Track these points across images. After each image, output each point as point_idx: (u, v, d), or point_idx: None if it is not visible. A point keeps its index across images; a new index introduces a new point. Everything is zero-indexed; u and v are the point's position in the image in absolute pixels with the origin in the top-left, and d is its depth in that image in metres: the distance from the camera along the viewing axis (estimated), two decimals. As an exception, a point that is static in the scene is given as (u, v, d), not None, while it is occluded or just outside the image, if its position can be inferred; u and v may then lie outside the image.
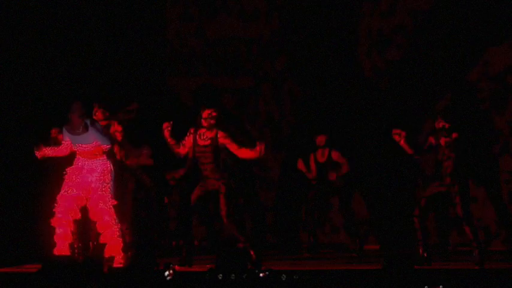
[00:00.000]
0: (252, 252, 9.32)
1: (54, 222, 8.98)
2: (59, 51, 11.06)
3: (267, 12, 12.51)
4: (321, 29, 12.29)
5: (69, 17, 11.31)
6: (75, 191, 9.00)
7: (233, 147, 9.47)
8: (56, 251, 8.92)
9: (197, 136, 9.54)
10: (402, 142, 9.61)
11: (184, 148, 9.57)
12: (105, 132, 9.23)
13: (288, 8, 12.42)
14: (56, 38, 11.06)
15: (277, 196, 12.39)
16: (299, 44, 12.36)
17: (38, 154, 9.15)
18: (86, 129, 8.98)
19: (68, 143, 9.09)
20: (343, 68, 12.30)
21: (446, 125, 9.59)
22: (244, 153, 9.48)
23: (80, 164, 9.07)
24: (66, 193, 8.99)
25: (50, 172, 9.65)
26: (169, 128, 9.48)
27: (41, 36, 10.89)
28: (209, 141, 9.51)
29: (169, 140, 9.52)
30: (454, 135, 9.58)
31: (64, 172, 9.02)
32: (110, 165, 9.08)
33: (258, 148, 9.31)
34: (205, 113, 9.54)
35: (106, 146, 9.05)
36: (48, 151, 9.17)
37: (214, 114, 9.50)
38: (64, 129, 9.09)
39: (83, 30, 11.48)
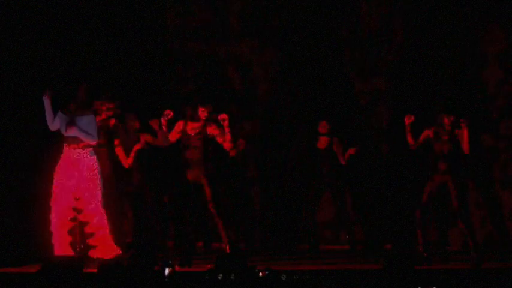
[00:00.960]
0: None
1: (51, 227, 9.03)
2: (59, 51, 11.05)
3: (267, 12, 12.54)
4: (319, 28, 12.30)
5: (69, 17, 11.31)
6: (64, 192, 9.03)
7: (216, 134, 9.62)
8: (56, 252, 8.94)
9: (187, 126, 9.66)
10: (408, 128, 9.68)
11: (174, 135, 9.71)
12: (96, 126, 9.22)
13: (287, 7, 12.43)
14: (56, 38, 11.05)
15: (277, 196, 12.38)
16: (298, 43, 12.37)
17: (45, 96, 9.08)
18: (83, 112, 9.03)
19: (57, 124, 9.09)
20: (342, 68, 12.30)
21: (452, 118, 9.61)
22: (224, 143, 9.66)
23: (66, 160, 9.06)
24: (57, 196, 9.02)
25: (48, 172, 9.65)
26: (168, 118, 9.57)
27: (41, 36, 10.88)
28: (199, 129, 9.66)
29: (163, 127, 9.61)
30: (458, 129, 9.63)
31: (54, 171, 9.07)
32: (95, 160, 9.09)
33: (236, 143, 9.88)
34: (200, 111, 9.63)
35: (91, 142, 9.08)
36: (48, 105, 9.09)
37: (207, 114, 9.64)
38: (59, 113, 9.11)
39: (83, 30, 11.48)
